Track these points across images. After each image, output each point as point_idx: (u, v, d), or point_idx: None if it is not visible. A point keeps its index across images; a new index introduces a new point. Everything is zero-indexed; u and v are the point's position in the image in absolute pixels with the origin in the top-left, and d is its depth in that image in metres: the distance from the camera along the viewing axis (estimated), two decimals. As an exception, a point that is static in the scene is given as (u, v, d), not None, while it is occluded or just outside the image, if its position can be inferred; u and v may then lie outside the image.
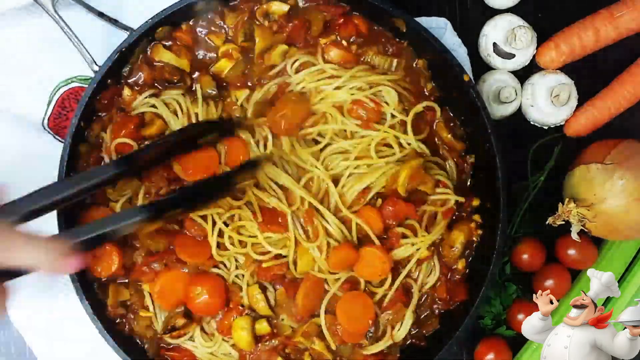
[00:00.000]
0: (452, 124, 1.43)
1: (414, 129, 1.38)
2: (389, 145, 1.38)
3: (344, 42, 1.40)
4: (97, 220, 1.16)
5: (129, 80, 1.38)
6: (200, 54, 1.41)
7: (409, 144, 1.38)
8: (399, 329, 1.38)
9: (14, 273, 1.03)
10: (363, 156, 1.37)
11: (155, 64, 1.38)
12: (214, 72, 1.40)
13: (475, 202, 1.42)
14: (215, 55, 1.40)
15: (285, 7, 1.38)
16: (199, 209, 1.32)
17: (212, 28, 1.40)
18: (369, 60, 1.40)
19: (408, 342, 1.40)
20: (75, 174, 1.33)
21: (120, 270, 1.35)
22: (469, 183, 1.44)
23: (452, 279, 1.41)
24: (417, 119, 1.40)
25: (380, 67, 1.40)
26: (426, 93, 1.43)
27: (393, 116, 1.38)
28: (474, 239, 1.41)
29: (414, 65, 1.42)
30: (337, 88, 1.38)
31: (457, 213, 1.41)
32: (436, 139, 1.43)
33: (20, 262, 0.96)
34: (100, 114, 1.38)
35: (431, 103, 1.41)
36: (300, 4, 1.41)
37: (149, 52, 1.39)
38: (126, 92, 1.37)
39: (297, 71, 1.39)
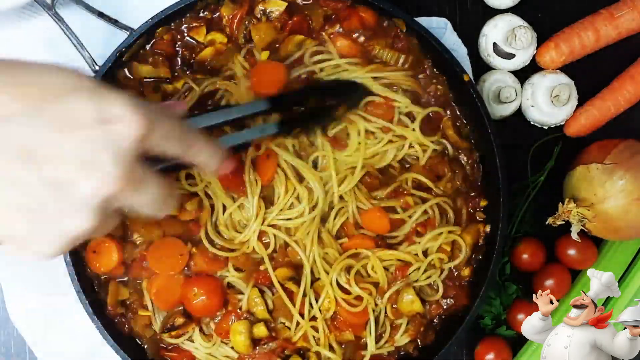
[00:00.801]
0: (458, 123, 1.42)
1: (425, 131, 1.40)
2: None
3: (352, 35, 1.39)
4: (242, 132, 1.30)
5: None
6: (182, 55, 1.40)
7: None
8: (401, 335, 1.38)
9: (179, 167, 1.19)
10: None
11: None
12: (199, 59, 1.38)
13: (483, 203, 1.41)
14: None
15: (283, 4, 1.38)
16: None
17: (193, 24, 1.39)
18: (376, 53, 1.39)
19: (402, 353, 1.41)
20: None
21: (120, 267, 1.35)
22: (479, 182, 1.43)
23: (455, 283, 1.41)
24: (427, 121, 1.40)
25: (389, 62, 1.39)
26: (438, 94, 1.43)
27: (410, 117, 1.39)
28: (480, 241, 1.41)
29: (425, 66, 1.42)
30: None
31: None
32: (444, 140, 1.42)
33: (198, 159, 1.06)
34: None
35: (437, 108, 1.41)
36: (299, 1, 1.40)
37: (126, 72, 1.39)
38: None
39: (316, 62, 1.39)
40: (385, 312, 1.37)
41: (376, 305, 1.36)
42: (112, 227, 0.97)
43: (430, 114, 1.40)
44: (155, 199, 0.97)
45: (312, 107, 1.36)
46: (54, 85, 0.87)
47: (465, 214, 1.41)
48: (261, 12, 1.39)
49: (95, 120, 0.86)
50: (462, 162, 1.41)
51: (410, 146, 1.38)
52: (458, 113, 1.43)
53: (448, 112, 1.42)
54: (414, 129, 1.37)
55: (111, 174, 0.88)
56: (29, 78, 0.89)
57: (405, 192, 1.37)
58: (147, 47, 1.39)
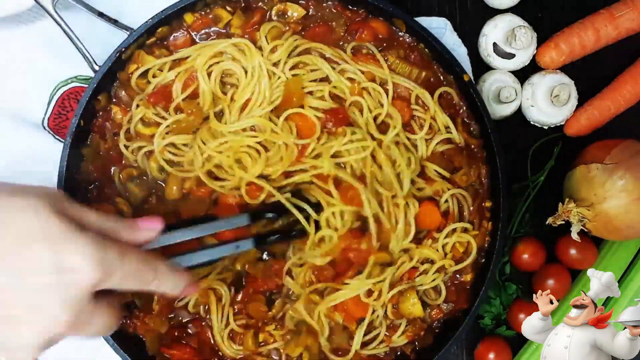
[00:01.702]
0: (467, 121, 1.42)
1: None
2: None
3: (365, 50, 1.39)
4: (214, 246, 1.26)
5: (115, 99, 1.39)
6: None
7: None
8: (399, 335, 1.38)
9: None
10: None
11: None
12: (213, 15, 1.38)
13: (488, 204, 1.41)
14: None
15: (302, 11, 1.38)
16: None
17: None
18: (391, 64, 1.38)
19: (399, 354, 1.41)
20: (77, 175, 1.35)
21: None
22: (486, 182, 1.42)
23: (457, 288, 1.40)
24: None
25: (404, 76, 1.39)
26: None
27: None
28: (486, 245, 1.40)
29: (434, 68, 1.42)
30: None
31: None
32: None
33: (160, 290, 1.11)
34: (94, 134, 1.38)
35: (449, 89, 1.40)
36: (311, 11, 1.40)
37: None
38: (115, 109, 1.37)
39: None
40: (385, 313, 1.37)
41: (373, 312, 1.36)
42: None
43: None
44: (100, 330, 1.05)
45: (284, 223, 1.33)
46: (21, 233, 0.95)
47: (477, 214, 1.41)
48: (279, 14, 1.39)
49: (52, 269, 0.95)
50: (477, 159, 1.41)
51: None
52: (467, 110, 1.42)
53: (461, 110, 1.42)
54: (435, 110, 1.37)
55: (57, 318, 0.97)
56: None
57: (433, 180, 1.37)
58: (154, 40, 1.38)
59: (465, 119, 1.41)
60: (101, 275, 0.97)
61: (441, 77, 1.42)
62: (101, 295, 1.03)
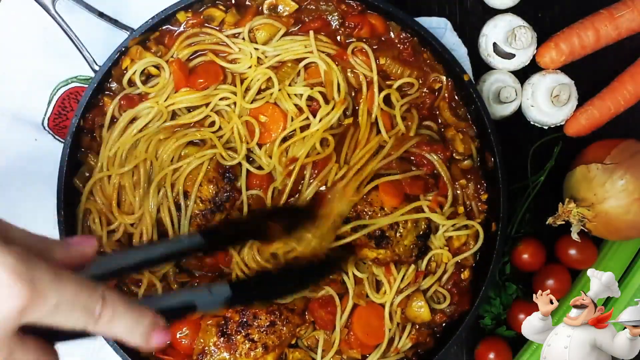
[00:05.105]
0: (453, 103, 1.41)
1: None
2: None
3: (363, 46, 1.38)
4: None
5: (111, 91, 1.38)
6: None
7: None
8: (400, 341, 1.38)
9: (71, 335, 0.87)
10: None
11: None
12: (205, 15, 1.38)
13: (484, 197, 1.41)
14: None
15: (294, 5, 1.38)
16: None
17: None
18: (383, 63, 1.38)
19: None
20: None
21: None
22: (481, 176, 1.42)
23: (457, 288, 1.40)
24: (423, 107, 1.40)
25: (395, 76, 1.39)
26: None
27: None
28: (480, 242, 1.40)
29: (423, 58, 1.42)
30: None
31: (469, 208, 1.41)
32: (439, 120, 1.41)
33: (114, 332, 0.85)
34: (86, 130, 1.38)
35: (438, 74, 1.39)
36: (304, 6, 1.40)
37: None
38: (106, 100, 1.37)
39: None
40: (397, 323, 1.37)
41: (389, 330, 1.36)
42: None
43: (428, 99, 1.40)
44: None
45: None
46: None
47: (476, 208, 1.41)
48: (270, 8, 1.39)
49: None
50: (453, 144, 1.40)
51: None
52: (455, 93, 1.41)
53: (446, 94, 1.41)
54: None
55: None
56: None
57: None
58: (153, 37, 1.38)
59: (452, 104, 1.41)
60: (31, 296, 0.74)
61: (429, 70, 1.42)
62: (29, 335, 0.81)
